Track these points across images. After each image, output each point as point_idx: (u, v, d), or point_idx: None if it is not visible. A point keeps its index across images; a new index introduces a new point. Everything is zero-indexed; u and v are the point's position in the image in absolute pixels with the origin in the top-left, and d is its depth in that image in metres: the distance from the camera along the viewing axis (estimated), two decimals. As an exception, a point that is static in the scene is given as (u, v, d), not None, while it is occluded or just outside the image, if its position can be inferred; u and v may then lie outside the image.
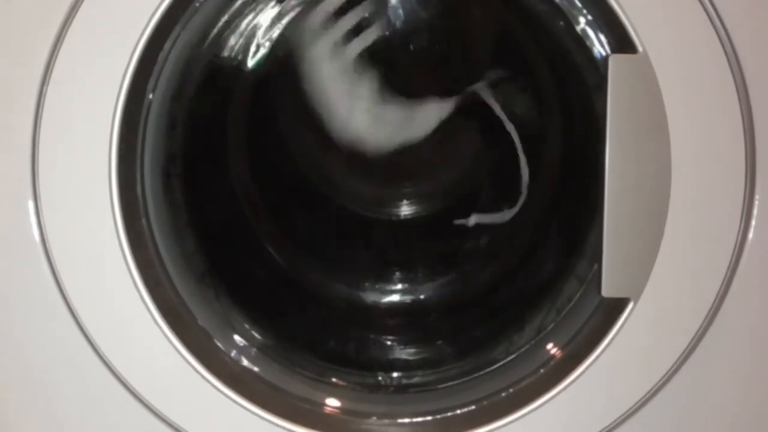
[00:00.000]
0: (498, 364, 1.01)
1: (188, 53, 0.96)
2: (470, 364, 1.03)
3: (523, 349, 1.01)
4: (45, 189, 0.87)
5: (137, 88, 0.88)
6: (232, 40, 1.05)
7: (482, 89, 1.14)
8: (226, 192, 1.16)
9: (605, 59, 0.87)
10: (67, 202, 0.87)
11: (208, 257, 1.04)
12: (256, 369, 0.97)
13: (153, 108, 0.92)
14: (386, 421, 0.97)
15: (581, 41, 0.92)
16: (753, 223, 0.89)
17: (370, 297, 1.19)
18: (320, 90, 1.14)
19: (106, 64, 0.86)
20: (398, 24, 1.12)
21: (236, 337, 0.99)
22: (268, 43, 1.10)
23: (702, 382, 0.91)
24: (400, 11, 1.12)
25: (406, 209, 1.24)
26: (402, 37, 1.13)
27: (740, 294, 0.89)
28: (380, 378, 1.06)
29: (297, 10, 1.10)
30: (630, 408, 0.90)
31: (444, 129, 1.16)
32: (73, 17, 0.85)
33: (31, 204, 0.88)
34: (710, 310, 0.89)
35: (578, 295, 0.99)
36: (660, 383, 0.90)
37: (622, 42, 0.86)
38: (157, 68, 0.91)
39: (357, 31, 1.12)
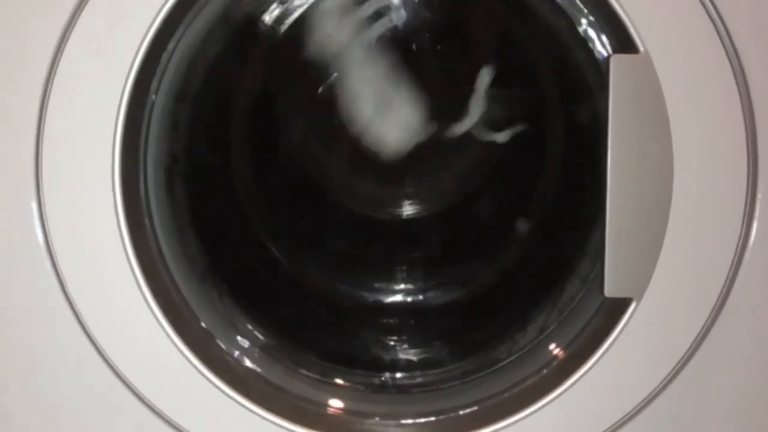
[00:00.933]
0: (500, 364, 1.01)
1: (191, 53, 0.96)
2: (473, 365, 1.03)
3: (526, 349, 1.01)
4: (48, 190, 0.87)
5: (140, 88, 0.88)
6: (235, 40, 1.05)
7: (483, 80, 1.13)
8: (228, 192, 1.16)
9: (607, 59, 0.87)
10: (70, 203, 0.87)
11: (210, 257, 1.04)
12: (258, 369, 0.97)
13: (156, 108, 0.92)
14: (389, 421, 0.97)
15: (583, 42, 0.92)
16: (755, 222, 0.89)
17: (372, 297, 1.19)
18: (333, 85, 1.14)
19: (110, 66, 0.86)
20: (400, 25, 1.12)
21: (239, 338, 1.00)
22: (271, 43, 1.10)
23: (705, 382, 0.91)
24: (403, 12, 1.12)
25: (408, 209, 1.24)
26: (404, 38, 1.13)
27: (743, 294, 0.89)
28: (383, 378, 1.06)
29: (300, 10, 1.10)
30: (633, 408, 0.90)
31: (446, 129, 1.16)
32: (77, 19, 0.85)
33: (34, 205, 0.88)
34: (713, 310, 0.88)
35: (581, 294, 0.99)
36: (663, 383, 0.90)
37: (623, 42, 0.86)
38: (160, 69, 0.91)
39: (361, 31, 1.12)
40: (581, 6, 0.91)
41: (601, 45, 0.91)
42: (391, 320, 1.18)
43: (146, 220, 0.92)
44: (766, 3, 0.86)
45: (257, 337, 1.02)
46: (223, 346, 0.96)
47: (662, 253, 0.87)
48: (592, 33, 0.91)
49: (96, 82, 0.86)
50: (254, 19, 1.07)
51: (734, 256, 0.88)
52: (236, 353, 0.97)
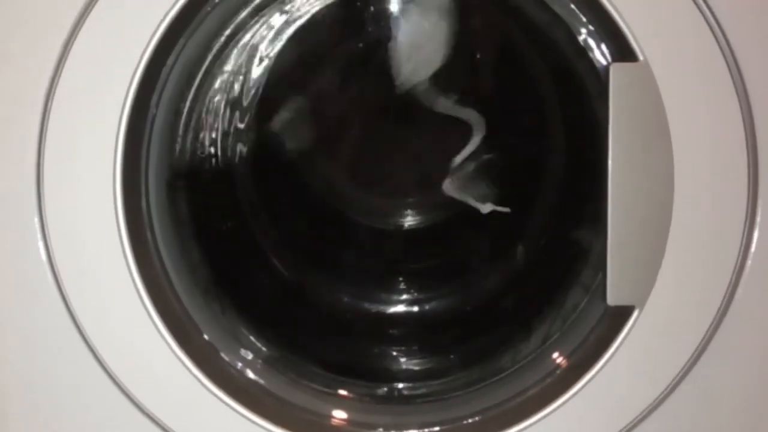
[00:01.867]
0: (504, 374, 1.01)
1: (191, 67, 0.97)
2: (476, 374, 1.03)
3: (529, 358, 1.01)
4: (50, 205, 0.87)
5: (141, 102, 0.88)
6: (235, 53, 1.06)
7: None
8: (230, 204, 1.16)
9: (606, 68, 0.87)
10: (72, 218, 0.87)
11: (213, 269, 1.04)
12: (262, 381, 0.97)
13: (157, 122, 0.92)
14: (393, 432, 0.97)
15: (583, 51, 0.92)
16: (756, 229, 0.88)
17: (375, 308, 1.19)
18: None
19: (111, 79, 0.86)
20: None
21: (242, 350, 1.00)
22: (271, 56, 1.10)
23: (708, 390, 0.91)
24: (402, 22, 1.12)
25: (411, 219, 1.24)
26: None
27: (745, 300, 0.89)
28: (386, 389, 1.06)
29: (301, 21, 1.10)
30: (636, 416, 0.90)
31: (448, 138, 1.16)
32: (78, 33, 0.85)
33: (36, 220, 0.88)
34: (715, 317, 0.88)
35: (583, 303, 0.99)
36: (666, 391, 0.90)
37: (622, 51, 0.86)
38: (160, 83, 0.91)
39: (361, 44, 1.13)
40: (581, 16, 0.91)
41: (600, 54, 0.91)
42: (394, 330, 1.18)
43: (148, 234, 0.92)
44: (764, 10, 0.86)
45: (260, 349, 1.02)
46: (226, 358, 0.96)
47: (664, 260, 0.87)
48: (591, 42, 0.92)
49: (97, 96, 0.86)
50: (254, 33, 1.07)
51: (736, 263, 0.88)
52: (239, 365, 0.97)
